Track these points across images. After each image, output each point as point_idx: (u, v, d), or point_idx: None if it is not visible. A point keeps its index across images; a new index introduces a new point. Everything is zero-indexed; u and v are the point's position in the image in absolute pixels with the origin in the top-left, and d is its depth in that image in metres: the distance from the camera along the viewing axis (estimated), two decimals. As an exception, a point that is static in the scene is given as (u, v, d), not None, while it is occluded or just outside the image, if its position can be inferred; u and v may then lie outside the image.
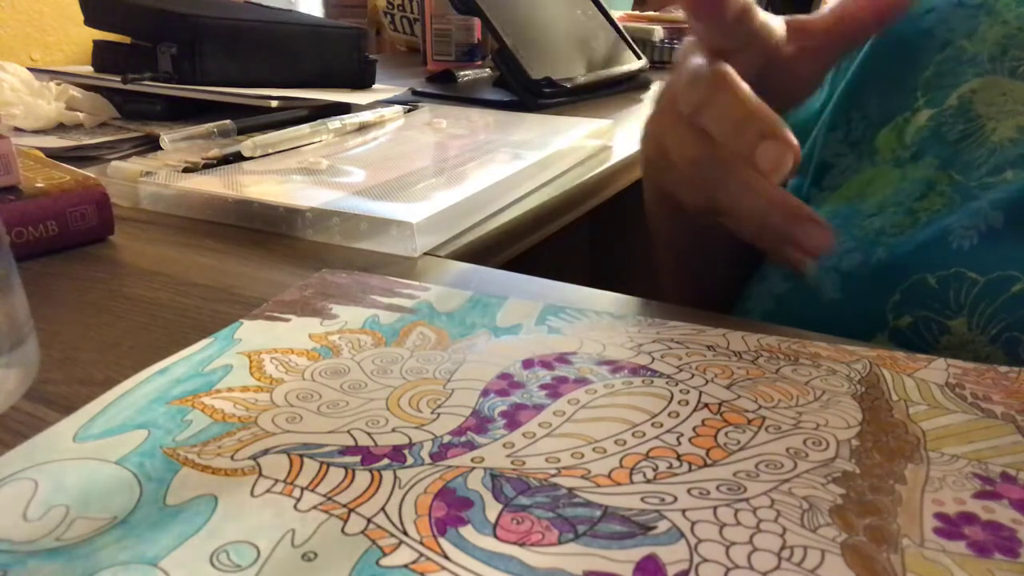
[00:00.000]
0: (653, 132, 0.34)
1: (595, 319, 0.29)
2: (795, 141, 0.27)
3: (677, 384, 0.24)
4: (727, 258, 0.45)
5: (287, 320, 0.28)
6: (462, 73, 0.91)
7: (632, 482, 0.19)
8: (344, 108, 0.66)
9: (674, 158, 0.31)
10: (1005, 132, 0.33)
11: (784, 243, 0.29)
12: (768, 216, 0.28)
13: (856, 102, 0.40)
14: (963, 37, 0.36)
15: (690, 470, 0.20)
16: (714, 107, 0.28)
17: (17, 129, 0.57)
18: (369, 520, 0.18)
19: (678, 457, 0.20)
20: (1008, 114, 0.33)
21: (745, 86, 0.28)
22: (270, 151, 0.51)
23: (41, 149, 0.47)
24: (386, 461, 0.20)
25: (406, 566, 0.16)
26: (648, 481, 0.19)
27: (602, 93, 0.84)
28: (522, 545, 0.17)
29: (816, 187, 0.41)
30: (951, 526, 0.18)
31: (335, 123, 0.58)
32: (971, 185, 0.33)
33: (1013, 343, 0.28)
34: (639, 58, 0.93)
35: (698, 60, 0.30)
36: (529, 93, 0.75)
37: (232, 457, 0.20)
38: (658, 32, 1.13)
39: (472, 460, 0.20)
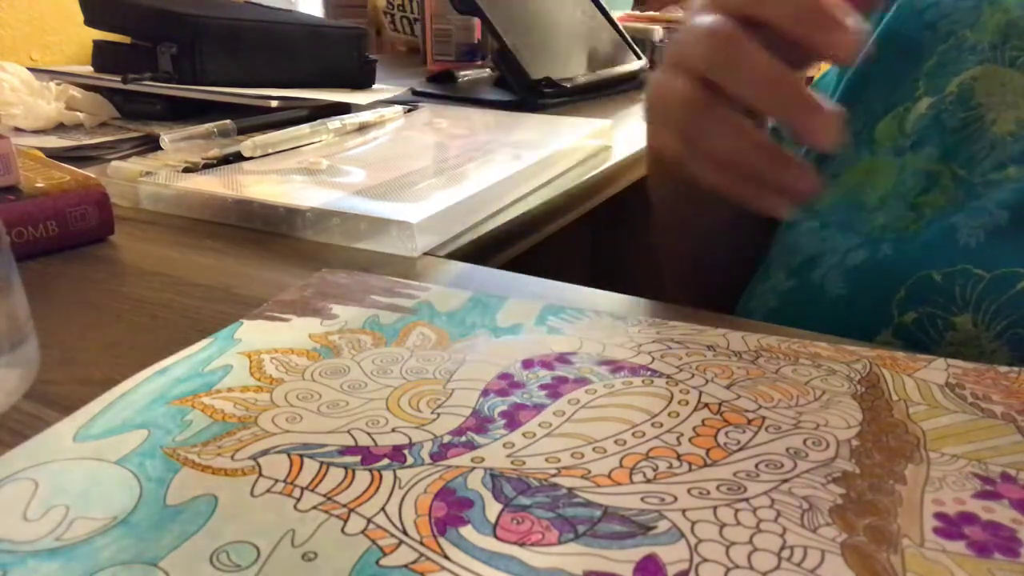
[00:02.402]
0: (653, 91, 0.32)
1: (595, 319, 0.29)
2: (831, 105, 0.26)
3: (677, 384, 0.24)
4: (725, 227, 0.44)
5: (287, 320, 0.28)
6: (462, 73, 0.91)
7: (632, 482, 0.19)
8: (344, 108, 0.66)
9: (666, 102, 0.30)
10: (1005, 125, 0.33)
11: (762, 188, 0.28)
12: (750, 158, 0.27)
13: (859, 96, 0.40)
14: (966, 28, 0.36)
15: (690, 470, 0.20)
16: (737, 67, 0.27)
17: (17, 129, 0.57)
18: (369, 520, 0.18)
19: (678, 457, 0.20)
20: (1008, 106, 0.33)
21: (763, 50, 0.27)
22: (270, 151, 0.51)
23: (41, 149, 0.47)
24: (386, 461, 0.20)
25: (406, 566, 0.16)
26: (648, 481, 0.19)
27: (602, 93, 0.84)
28: (522, 545, 0.17)
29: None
30: (951, 526, 0.18)
31: (335, 123, 0.58)
32: (974, 181, 0.33)
33: (1018, 340, 0.28)
34: (639, 58, 0.93)
35: (712, 19, 0.28)
36: (529, 93, 0.75)
37: (232, 457, 0.20)
38: (658, 32, 1.13)
39: (472, 460, 0.20)
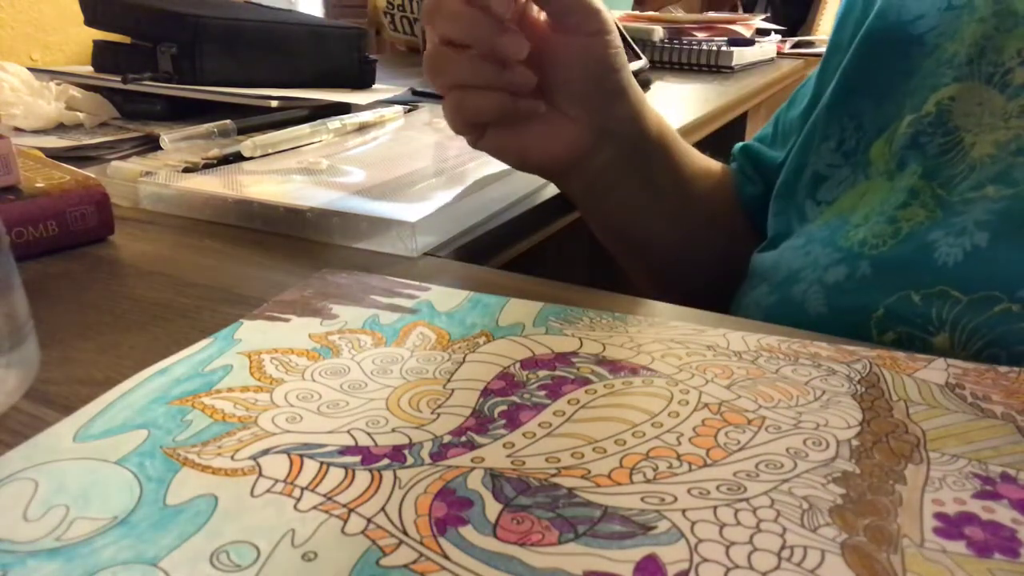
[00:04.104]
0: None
1: (595, 319, 0.29)
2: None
3: (677, 384, 0.24)
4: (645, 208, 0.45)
5: (287, 320, 0.28)
6: (462, 73, 0.91)
7: (632, 482, 0.19)
8: (344, 108, 0.66)
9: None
10: (984, 148, 0.33)
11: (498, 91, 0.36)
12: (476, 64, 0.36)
13: (848, 110, 0.40)
14: (948, 39, 0.36)
15: (690, 470, 0.20)
16: (436, 10, 0.36)
17: (17, 129, 0.57)
18: (369, 520, 0.18)
19: (678, 457, 0.20)
20: (985, 128, 0.33)
21: None
22: (270, 151, 0.51)
23: (41, 149, 0.47)
24: (386, 461, 0.20)
25: (406, 566, 0.16)
26: (648, 481, 0.19)
27: (602, 93, 0.84)
28: (522, 545, 0.17)
29: (812, 199, 0.41)
30: (951, 526, 0.18)
31: (335, 123, 0.58)
32: (953, 200, 0.33)
33: (993, 359, 0.28)
34: (639, 58, 0.93)
35: None
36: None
37: (232, 457, 0.20)
38: (658, 32, 1.13)
39: (472, 460, 0.20)
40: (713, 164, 0.49)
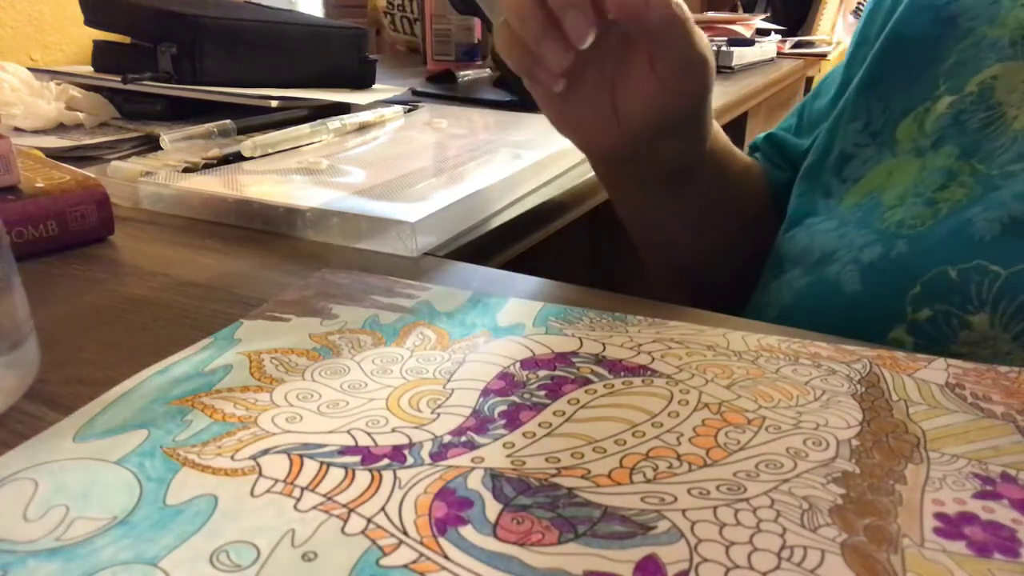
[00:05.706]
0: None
1: (595, 319, 0.29)
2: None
3: (677, 384, 0.24)
4: (678, 212, 0.44)
5: (287, 320, 0.28)
6: (462, 73, 0.91)
7: (632, 482, 0.19)
8: (344, 108, 0.66)
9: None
10: None
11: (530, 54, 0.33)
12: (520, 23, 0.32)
13: (877, 93, 0.40)
14: (985, 24, 0.36)
15: (690, 470, 0.20)
16: None
17: (17, 129, 0.57)
18: (369, 520, 0.18)
19: (678, 457, 0.20)
20: None
21: None
22: (270, 151, 0.51)
23: (41, 149, 0.47)
24: (386, 461, 0.20)
25: (406, 566, 0.16)
26: (648, 481, 0.19)
27: (602, 93, 0.83)
28: (522, 545, 0.17)
29: (838, 178, 0.41)
30: (951, 526, 0.18)
31: (335, 123, 0.58)
32: (993, 174, 0.32)
33: None
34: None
35: None
36: (529, 93, 0.75)
37: (232, 457, 0.20)
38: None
39: (472, 460, 0.20)
40: (751, 165, 0.49)
